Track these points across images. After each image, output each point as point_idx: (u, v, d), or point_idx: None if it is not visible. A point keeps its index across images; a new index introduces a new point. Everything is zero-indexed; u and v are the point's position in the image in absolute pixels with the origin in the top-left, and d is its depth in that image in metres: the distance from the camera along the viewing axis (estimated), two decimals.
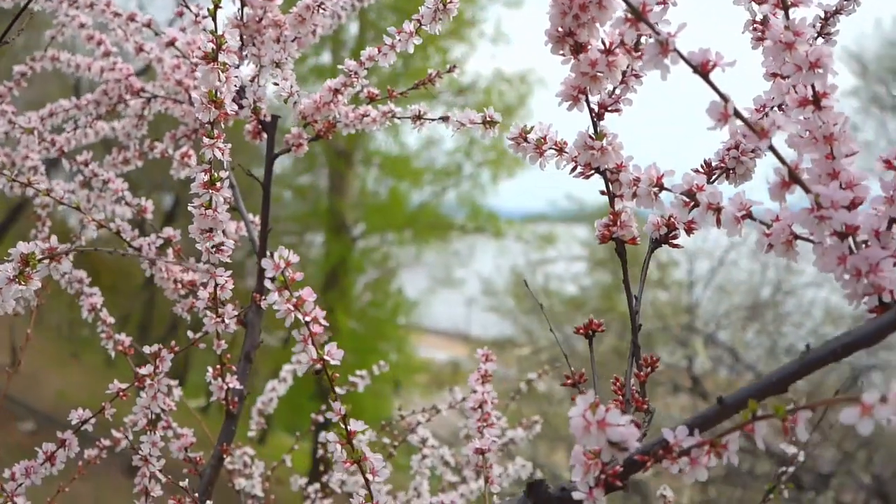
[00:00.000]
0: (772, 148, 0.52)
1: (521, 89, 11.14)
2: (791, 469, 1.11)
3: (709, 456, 0.51)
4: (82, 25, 1.22)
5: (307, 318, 0.63)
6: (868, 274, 0.51)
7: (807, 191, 0.52)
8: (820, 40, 0.72)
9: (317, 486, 1.39)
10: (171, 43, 1.07)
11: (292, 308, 0.63)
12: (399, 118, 1.00)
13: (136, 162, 1.21)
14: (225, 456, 1.01)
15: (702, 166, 0.70)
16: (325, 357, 0.64)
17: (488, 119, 0.85)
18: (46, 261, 0.69)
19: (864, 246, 0.53)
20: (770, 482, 1.09)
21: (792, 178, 0.52)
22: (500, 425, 1.51)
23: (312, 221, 11.73)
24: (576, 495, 0.56)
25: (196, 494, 0.94)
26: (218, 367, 0.98)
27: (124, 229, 1.02)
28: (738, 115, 0.51)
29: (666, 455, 0.53)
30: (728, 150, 0.69)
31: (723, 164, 0.69)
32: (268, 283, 0.62)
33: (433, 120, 0.97)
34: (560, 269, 10.38)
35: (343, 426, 0.66)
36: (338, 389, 0.68)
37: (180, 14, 1.12)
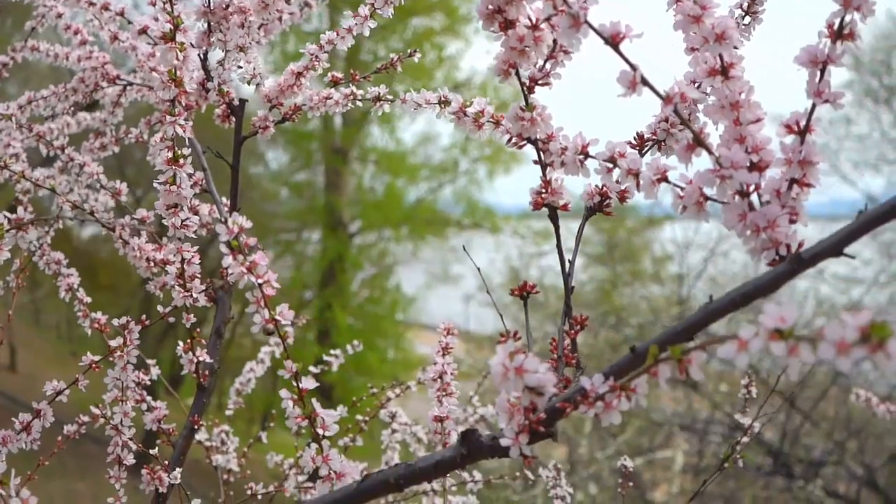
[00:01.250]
0: (677, 112, 0.56)
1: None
2: (745, 439, 1.15)
3: (619, 399, 0.55)
4: (60, 15, 1.25)
5: (260, 281, 0.67)
6: (766, 229, 0.55)
7: (710, 153, 0.56)
8: (747, 18, 0.76)
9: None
10: (144, 31, 1.11)
11: (245, 271, 0.67)
12: (360, 100, 1.04)
13: (113, 147, 1.24)
14: (196, 427, 1.05)
15: (634, 138, 0.74)
16: (277, 317, 0.68)
17: (443, 99, 0.89)
18: (14, 231, 0.73)
19: (767, 205, 0.57)
20: (727, 457, 1.13)
21: (697, 141, 0.56)
22: (473, 403, 1.55)
23: (309, 218, 11.76)
24: (503, 441, 0.60)
25: (167, 462, 0.98)
26: (188, 341, 1.02)
27: (98, 210, 1.06)
28: (645, 82, 0.55)
29: (583, 401, 0.57)
30: (659, 122, 0.73)
31: (654, 136, 0.73)
32: (222, 248, 0.66)
33: (391, 100, 1.01)
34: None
35: (295, 384, 0.70)
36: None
37: (153, 4, 1.15)
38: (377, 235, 12.45)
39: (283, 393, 0.70)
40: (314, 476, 0.70)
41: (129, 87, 1.25)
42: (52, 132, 1.20)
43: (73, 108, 1.25)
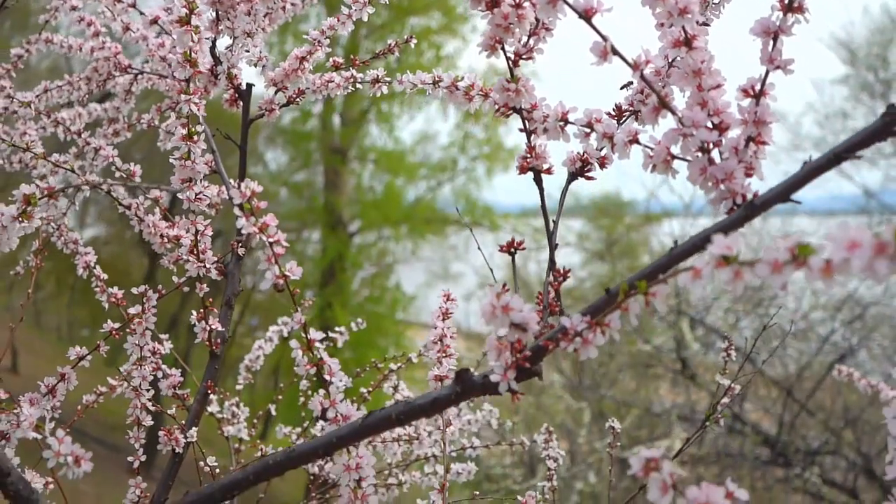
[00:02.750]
0: (643, 78, 0.63)
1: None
2: (726, 399, 1.22)
3: (595, 333, 0.62)
4: (73, 8, 1.32)
5: (271, 240, 0.74)
6: (723, 181, 0.62)
7: (674, 114, 0.63)
8: None
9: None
10: (155, 21, 1.17)
11: (258, 231, 0.73)
12: (360, 83, 1.10)
13: (126, 133, 1.31)
14: (209, 392, 1.11)
15: (613, 109, 0.80)
16: (287, 273, 0.75)
17: (437, 79, 0.96)
18: (46, 199, 0.80)
19: (725, 160, 0.64)
20: (709, 416, 1.20)
21: (661, 103, 0.63)
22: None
23: (309, 218, 11.82)
24: (493, 377, 0.66)
25: (183, 423, 1.05)
26: (201, 310, 1.08)
27: (115, 190, 1.13)
28: (615, 51, 0.62)
29: (564, 338, 0.64)
30: (635, 94, 0.80)
31: (631, 107, 0.80)
32: (236, 210, 0.73)
33: (389, 82, 1.07)
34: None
35: (304, 334, 0.76)
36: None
37: None
38: (377, 234, 12.51)
39: (293, 343, 0.77)
40: (323, 418, 0.76)
41: (140, 76, 1.32)
42: (70, 119, 1.27)
43: (86, 97, 1.31)
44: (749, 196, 0.62)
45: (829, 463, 6.20)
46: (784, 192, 0.59)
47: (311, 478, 1.49)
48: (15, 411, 0.77)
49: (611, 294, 0.63)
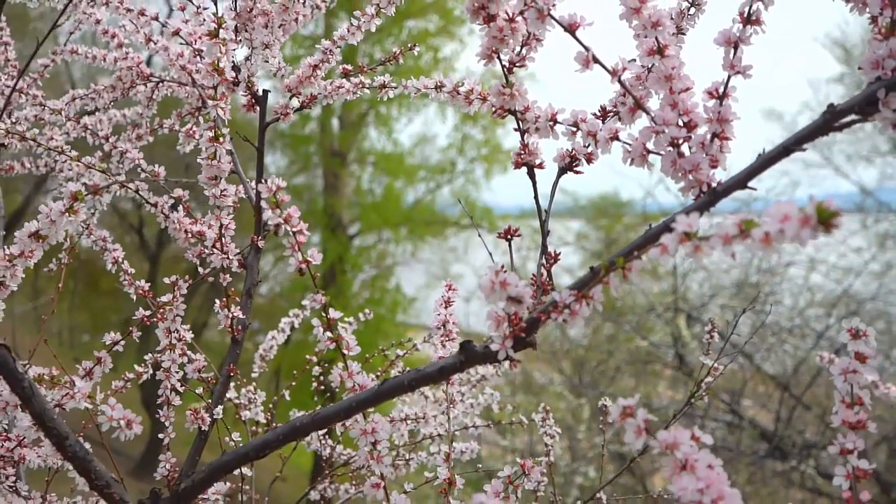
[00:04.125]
0: (621, 83, 0.72)
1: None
2: (709, 379, 1.31)
3: (581, 304, 0.71)
4: (98, 21, 1.41)
5: (294, 230, 0.84)
6: (691, 172, 0.71)
7: (647, 114, 0.72)
8: (693, 9, 0.92)
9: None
10: (176, 32, 1.27)
11: (283, 221, 0.83)
12: (368, 88, 1.20)
13: (148, 137, 1.40)
14: (232, 374, 1.21)
15: (599, 110, 0.90)
16: (308, 258, 0.84)
17: (439, 84, 1.05)
18: (91, 195, 0.89)
19: (693, 154, 0.73)
20: (693, 393, 1.29)
21: (637, 104, 0.72)
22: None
23: (309, 221, 11.80)
24: (493, 346, 0.76)
25: (210, 401, 1.14)
26: (224, 299, 1.18)
27: (142, 188, 1.22)
28: (595, 60, 0.72)
29: (555, 310, 0.73)
30: (617, 97, 0.89)
31: (614, 108, 0.89)
32: (263, 204, 0.82)
33: (395, 87, 1.17)
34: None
35: (324, 315, 0.86)
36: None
37: (182, 8, 1.31)
38: (376, 237, 12.60)
39: (315, 322, 0.86)
40: (341, 390, 0.86)
41: (160, 84, 1.41)
42: (97, 124, 1.37)
43: (111, 104, 1.41)
44: (714, 184, 0.71)
45: (825, 456, 6.29)
46: (742, 181, 0.68)
47: (323, 460, 1.58)
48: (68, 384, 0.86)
49: (594, 271, 0.72)
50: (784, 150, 0.67)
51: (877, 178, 9.37)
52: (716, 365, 1.31)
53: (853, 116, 0.66)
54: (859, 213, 8.81)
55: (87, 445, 0.87)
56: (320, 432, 1.54)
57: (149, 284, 1.27)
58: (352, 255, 11.74)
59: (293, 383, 1.65)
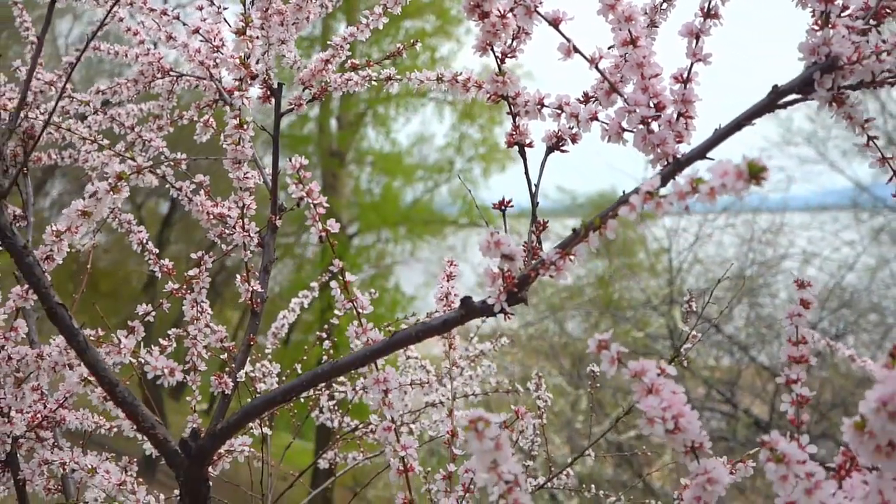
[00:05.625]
0: (598, 70, 0.84)
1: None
2: (688, 345, 1.42)
3: (565, 261, 0.82)
4: (122, 20, 1.53)
5: (315, 202, 0.95)
6: (658, 146, 0.83)
7: (621, 96, 0.84)
8: (665, 5, 1.04)
9: None
10: (196, 30, 1.38)
11: (305, 195, 0.94)
12: (374, 80, 1.31)
13: (168, 128, 1.52)
14: (251, 343, 1.32)
15: (583, 95, 1.01)
16: (328, 228, 0.95)
17: (440, 76, 1.16)
18: (135, 175, 1.00)
19: (661, 130, 0.84)
20: (674, 358, 1.40)
21: (612, 88, 0.84)
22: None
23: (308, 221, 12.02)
24: (489, 300, 0.87)
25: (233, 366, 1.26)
26: (244, 274, 1.29)
27: (168, 174, 1.34)
28: (576, 49, 0.83)
29: (542, 267, 0.84)
30: (597, 83, 1.00)
31: (595, 93, 1.00)
32: (288, 180, 0.93)
33: (399, 80, 1.28)
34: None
35: (342, 277, 0.97)
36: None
37: (200, 8, 1.43)
38: (375, 236, 12.69)
39: (333, 283, 0.98)
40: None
41: (180, 78, 1.52)
42: (122, 115, 1.48)
43: (135, 96, 1.52)
44: (679, 156, 0.83)
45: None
46: (701, 152, 0.80)
47: (333, 432, 1.69)
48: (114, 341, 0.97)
49: (576, 232, 0.83)
50: (736, 125, 0.78)
51: (872, 174, 9.49)
52: (694, 333, 1.43)
53: (795, 96, 0.78)
54: (854, 209, 8.94)
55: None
56: (331, 403, 1.66)
57: (172, 263, 1.38)
58: (351, 254, 11.84)
59: (304, 357, 1.77)
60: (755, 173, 0.59)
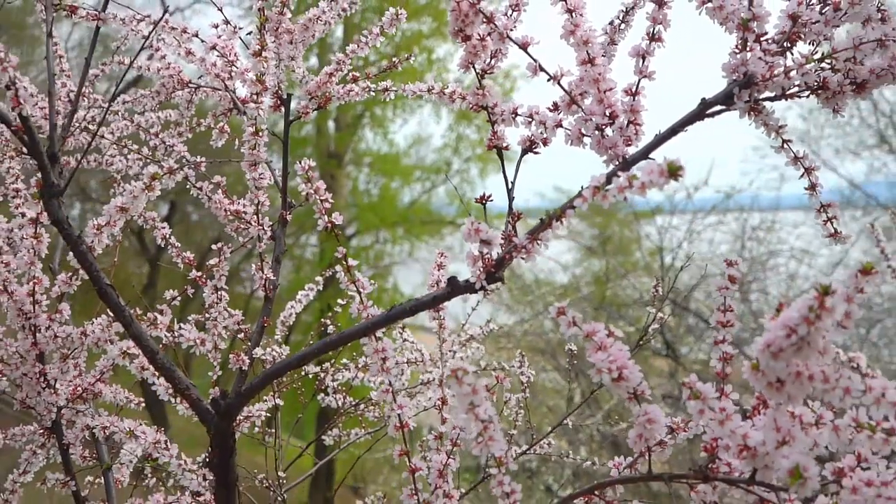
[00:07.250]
0: (560, 85, 1.00)
1: (506, 85, 11.65)
2: (655, 326, 1.58)
3: (533, 245, 0.99)
4: (145, 37, 1.69)
5: (321, 198, 1.11)
6: (611, 149, 0.99)
7: (580, 107, 1.00)
8: (622, 25, 1.20)
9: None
10: (213, 47, 1.54)
11: (313, 192, 1.11)
12: (374, 91, 1.48)
13: (188, 134, 1.68)
14: (265, 325, 1.48)
15: (552, 104, 1.17)
16: (333, 220, 1.12)
17: (430, 87, 1.33)
18: (167, 175, 1.17)
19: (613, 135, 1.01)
20: (641, 338, 1.57)
21: (571, 101, 1.00)
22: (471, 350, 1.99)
23: (306, 223, 12.17)
24: (471, 279, 1.03)
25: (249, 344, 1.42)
26: (258, 263, 1.45)
27: (190, 175, 1.50)
28: (541, 68, 1.00)
29: (516, 250, 1.01)
30: (562, 96, 1.16)
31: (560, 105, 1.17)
32: (298, 178, 1.10)
33: (395, 90, 1.45)
34: (548, 258, 10.80)
35: (345, 262, 1.14)
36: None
37: (215, 26, 1.59)
38: (374, 237, 12.84)
39: (338, 267, 1.14)
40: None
41: (198, 90, 1.69)
42: (146, 122, 1.64)
43: (158, 106, 1.68)
44: (627, 157, 0.99)
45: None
46: (644, 154, 0.96)
47: (335, 409, 1.85)
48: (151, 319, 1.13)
49: (543, 221, 1.00)
50: (671, 131, 0.95)
51: (864, 172, 9.65)
52: (661, 315, 1.59)
53: (720, 107, 0.94)
54: (847, 207, 9.11)
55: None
56: (336, 382, 1.82)
57: (193, 255, 1.55)
58: (350, 255, 11.95)
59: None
60: (673, 171, 0.76)
